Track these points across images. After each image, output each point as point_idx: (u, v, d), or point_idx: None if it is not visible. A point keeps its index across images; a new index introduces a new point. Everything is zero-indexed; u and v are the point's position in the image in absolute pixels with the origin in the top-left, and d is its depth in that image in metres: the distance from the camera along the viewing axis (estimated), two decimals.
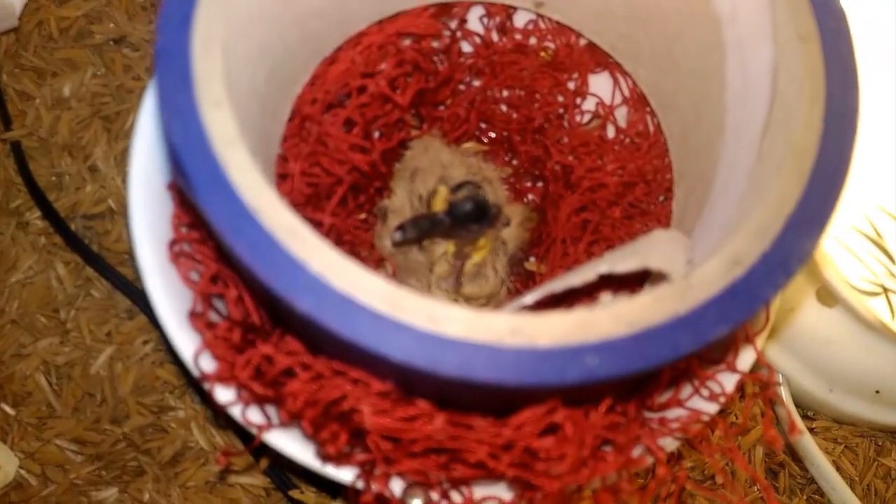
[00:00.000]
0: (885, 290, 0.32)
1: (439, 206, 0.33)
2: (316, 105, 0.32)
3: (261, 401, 0.25)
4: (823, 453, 0.39)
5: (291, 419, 0.24)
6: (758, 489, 0.39)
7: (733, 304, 0.20)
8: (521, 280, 0.37)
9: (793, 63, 0.23)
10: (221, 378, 0.25)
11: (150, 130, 0.29)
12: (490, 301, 0.34)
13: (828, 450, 0.41)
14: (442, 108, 0.37)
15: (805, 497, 0.40)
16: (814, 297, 0.38)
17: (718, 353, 0.28)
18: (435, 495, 0.25)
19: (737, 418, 0.39)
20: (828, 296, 0.37)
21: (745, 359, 0.29)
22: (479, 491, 0.26)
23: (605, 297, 0.26)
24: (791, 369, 0.40)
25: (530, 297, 0.24)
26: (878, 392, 0.39)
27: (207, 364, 0.26)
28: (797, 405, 0.41)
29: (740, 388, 0.38)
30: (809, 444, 0.39)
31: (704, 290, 0.20)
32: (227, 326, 0.26)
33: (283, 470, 0.36)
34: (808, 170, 0.22)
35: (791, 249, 0.21)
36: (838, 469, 0.40)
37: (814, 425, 0.41)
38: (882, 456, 0.41)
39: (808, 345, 0.39)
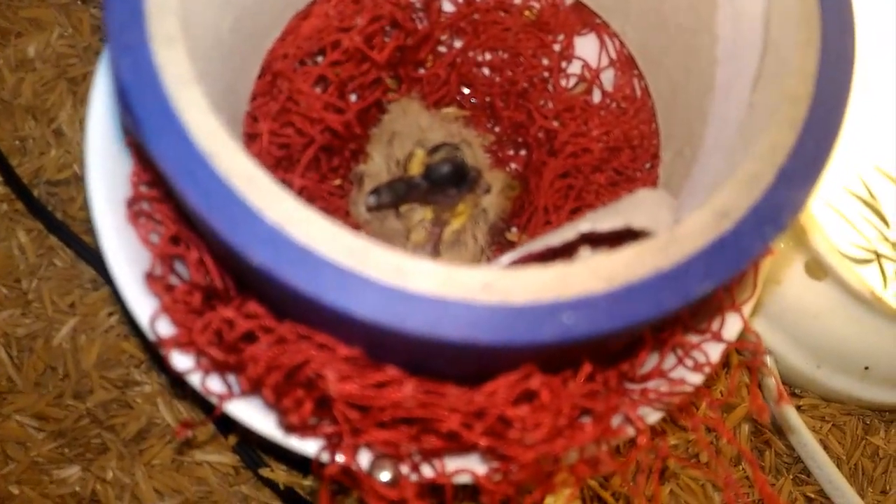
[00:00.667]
0: (878, 255, 0.30)
1: (416, 169, 0.31)
2: (287, 60, 0.30)
3: (221, 368, 0.24)
4: (810, 431, 0.38)
5: (253, 387, 0.23)
6: (743, 468, 0.38)
7: (720, 258, 0.19)
8: (502, 250, 0.35)
9: (786, 8, 0.22)
10: (179, 344, 0.24)
11: (109, 85, 0.27)
12: None
13: (815, 428, 0.40)
14: (421, 70, 0.35)
15: (791, 476, 0.39)
16: (801, 269, 0.37)
17: (703, 321, 0.27)
18: (405, 468, 0.24)
19: (721, 394, 0.38)
20: (816, 268, 0.36)
21: (732, 328, 0.27)
22: (452, 464, 0.24)
23: (584, 252, 0.24)
24: (778, 345, 0.39)
25: (507, 258, 0.23)
26: (867, 368, 0.38)
27: (165, 329, 0.24)
28: (784, 382, 0.40)
29: (725, 360, 0.37)
30: (796, 422, 0.38)
31: (689, 244, 0.19)
32: (187, 289, 0.25)
33: (252, 447, 0.34)
34: (801, 117, 0.21)
35: (783, 201, 0.20)
36: (825, 448, 0.39)
37: (801, 403, 0.40)
38: (870, 434, 0.40)
39: (795, 319, 0.38)
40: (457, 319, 0.18)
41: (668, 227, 0.22)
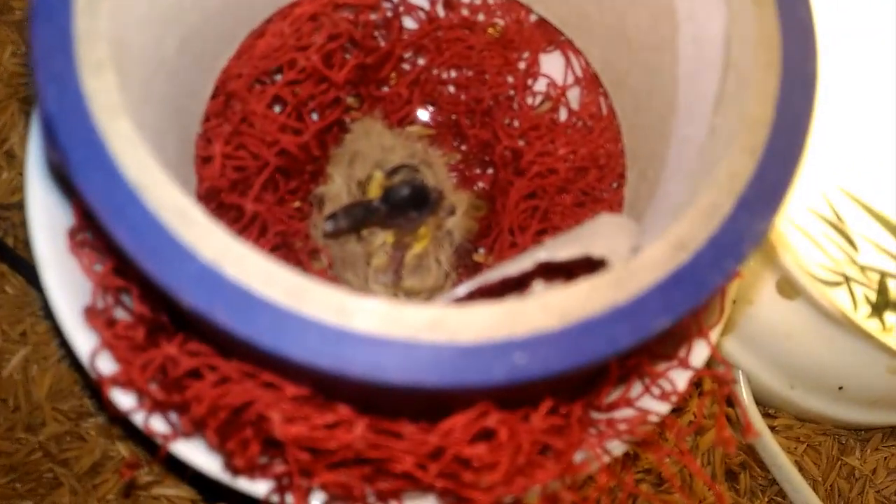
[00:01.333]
0: (847, 279, 0.30)
1: (374, 192, 0.30)
2: (241, 80, 0.29)
3: (164, 407, 0.23)
4: (785, 453, 0.38)
5: (196, 428, 0.22)
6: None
7: (677, 292, 0.18)
8: (469, 272, 0.34)
9: (746, 29, 0.21)
10: (121, 382, 0.23)
11: None
12: (433, 295, 0.32)
13: (790, 449, 0.39)
14: (384, 88, 0.34)
15: (766, 499, 0.38)
16: (773, 288, 0.36)
17: (670, 348, 0.26)
18: None
19: (693, 419, 0.37)
20: (788, 287, 0.35)
21: (699, 354, 0.27)
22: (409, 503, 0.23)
23: (537, 285, 0.24)
24: (750, 365, 0.38)
25: (463, 289, 0.22)
26: (841, 388, 0.37)
27: (107, 365, 0.23)
28: (758, 402, 0.39)
29: (697, 384, 0.36)
30: (771, 444, 0.37)
31: (645, 277, 0.18)
32: (130, 324, 0.23)
33: (211, 480, 0.33)
34: (761, 143, 0.20)
35: (742, 231, 0.19)
36: (801, 469, 0.38)
37: (775, 423, 0.39)
38: (846, 455, 0.39)
39: (767, 339, 0.37)
40: (401, 360, 0.17)
41: (625, 256, 0.22)
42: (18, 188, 0.37)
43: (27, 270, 0.35)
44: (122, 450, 0.33)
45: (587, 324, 0.18)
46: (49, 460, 0.33)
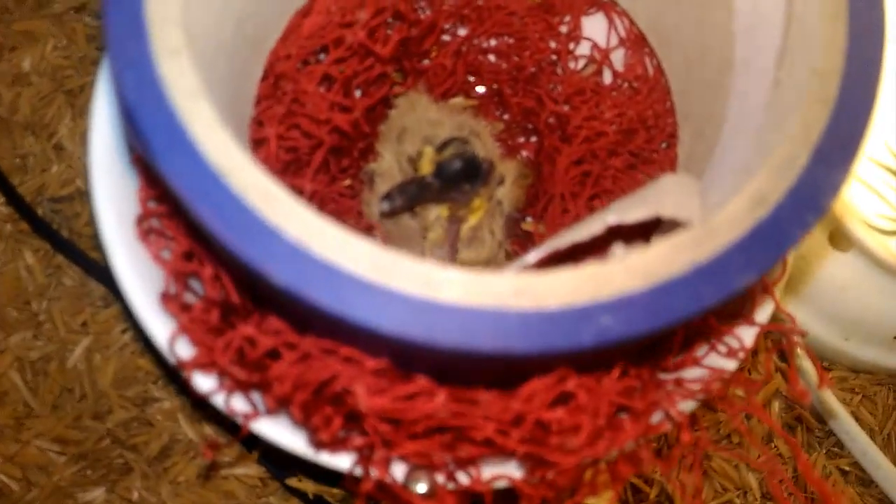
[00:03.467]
0: None
1: (426, 168, 0.30)
2: (290, 61, 0.29)
3: (245, 387, 0.23)
4: (841, 404, 0.38)
5: (279, 405, 0.22)
6: (775, 445, 0.38)
7: (759, 247, 0.18)
8: (519, 242, 0.35)
9: None
10: (200, 364, 0.23)
11: (110, 97, 0.26)
12: (488, 266, 0.32)
13: (845, 400, 0.39)
14: (426, 61, 0.34)
15: (824, 451, 0.38)
16: (826, 240, 0.36)
17: (735, 305, 0.26)
18: (441, 477, 0.24)
19: (749, 373, 0.37)
20: (842, 239, 0.35)
21: (764, 310, 0.27)
22: (488, 469, 0.24)
23: (618, 248, 0.24)
24: (803, 319, 0.38)
25: (533, 256, 0.22)
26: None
27: (185, 350, 0.24)
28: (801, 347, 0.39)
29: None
30: (827, 396, 0.37)
31: (727, 235, 0.18)
32: (204, 307, 0.24)
33: (278, 457, 0.34)
34: (833, 93, 0.20)
35: (820, 183, 0.19)
36: (857, 420, 0.38)
37: (830, 376, 0.39)
38: None
39: (820, 292, 0.37)
40: (489, 329, 0.17)
41: (697, 215, 0.22)
42: (70, 180, 0.37)
43: (84, 262, 0.36)
44: (190, 433, 0.34)
45: (672, 283, 0.18)
46: (118, 446, 0.34)
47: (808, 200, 0.19)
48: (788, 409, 0.38)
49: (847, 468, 0.38)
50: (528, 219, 0.35)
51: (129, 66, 0.18)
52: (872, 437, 0.38)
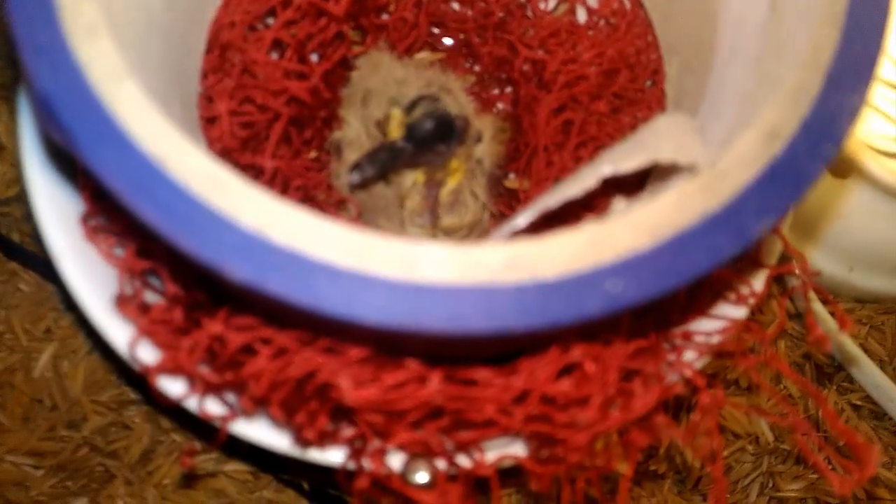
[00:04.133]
0: None
1: (396, 131, 0.28)
2: (235, 29, 0.27)
3: (219, 388, 0.21)
4: (850, 337, 0.36)
5: (258, 405, 0.20)
6: (784, 386, 0.37)
7: (777, 187, 0.16)
8: (504, 201, 0.32)
9: None
10: (167, 369, 0.21)
11: None
12: (473, 231, 0.30)
13: (853, 332, 0.38)
14: (385, 15, 0.32)
15: (835, 386, 0.37)
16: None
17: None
18: (442, 464, 0.22)
19: (754, 315, 0.36)
20: (842, 165, 0.33)
21: (772, 250, 0.25)
22: (493, 450, 0.22)
23: (618, 203, 0.22)
24: (805, 251, 0.36)
25: (523, 219, 0.20)
26: None
27: (148, 354, 0.22)
28: (814, 289, 0.37)
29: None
30: (836, 332, 0.36)
31: (739, 177, 0.16)
32: (166, 306, 0.22)
33: (266, 454, 0.32)
34: (842, 11, 0.17)
35: (835, 110, 0.17)
36: (866, 351, 0.37)
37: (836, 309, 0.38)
38: None
39: (821, 222, 0.35)
40: (482, 308, 0.15)
41: (701, 158, 0.20)
42: (14, 181, 0.35)
43: (39, 265, 0.33)
44: (173, 434, 0.32)
45: (682, 238, 0.16)
46: (97, 454, 0.32)
47: (825, 130, 0.17)
48: (795, 347, 0.37)
49: (859, 402, 0.37)
50: (512, 175, 0.33)
51: (40, 52, 0.16)
52: (882, 368, 0.37)
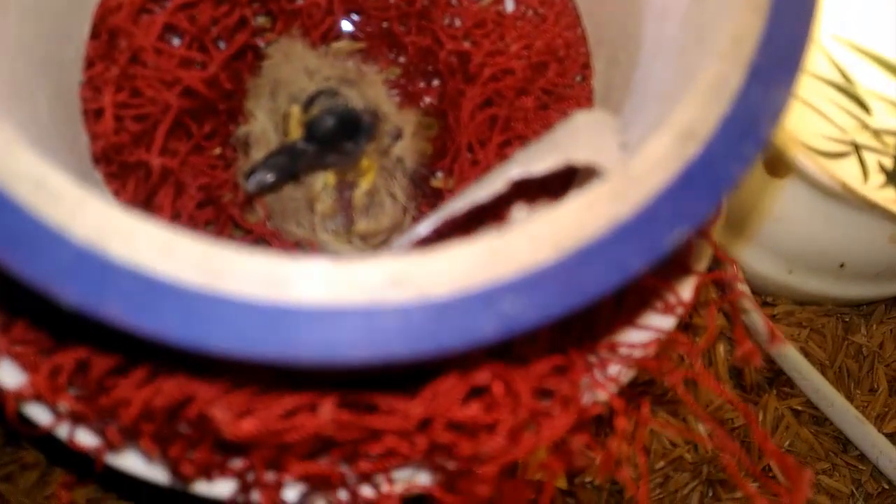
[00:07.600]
0: (857, 147, 0.26)
1: (296, 131, 0.26)
2: (123, 11, 0.24)
3: (89, 416, 0.19)
4: (789, 341, 0.35)
5: (129, 437, 0.18)
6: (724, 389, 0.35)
7: (692, 193, 0.15)
8: (429, 202, 0.30)
9: None
10: (29, 394, 0.19)
11: None
12: (392, 235, 0.28)
13: (793, 336, 0.37)
14: (298, 0, 0.29)
15: (774, 391, 0.36)
16: (761, 167, 0.33)
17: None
18: (343, 493, 0.20)
19: (692, 319, 0.34)
20: (780, 165, 0.32)
21: (701, 256, 0.23)
22: (401, 479, 0.20)
23: (519, 212, 0.20)
24: (742, 255, 0.35)
25: (424, 227, 0.18)
26: (842, 266, 0.34)
27: (11, 376, 0.19)
28: (753, 291, 0.36)
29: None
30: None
31: (651, 181, 0.14)
32: (29, 323, 0.19)
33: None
34: None
35: (758, 107, 0.15)
36: (806, 355, 0.36)
37: (775, 312, 0.37)
38: (851, 333, 0.37)
39: (758, 224, 0.34)
40: (361, 333, 0.13)
41: (616, 156, 0.18)
42: None
43: None
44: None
45: (589, 251, 0.14)
46: None
47: (746, 130, 0.15)
48: (734, 351, 0.36)
49: (799, 408, 0.36)
50: (439, 174, 0.31)
51: None
52: (823, 373, 0.36)
